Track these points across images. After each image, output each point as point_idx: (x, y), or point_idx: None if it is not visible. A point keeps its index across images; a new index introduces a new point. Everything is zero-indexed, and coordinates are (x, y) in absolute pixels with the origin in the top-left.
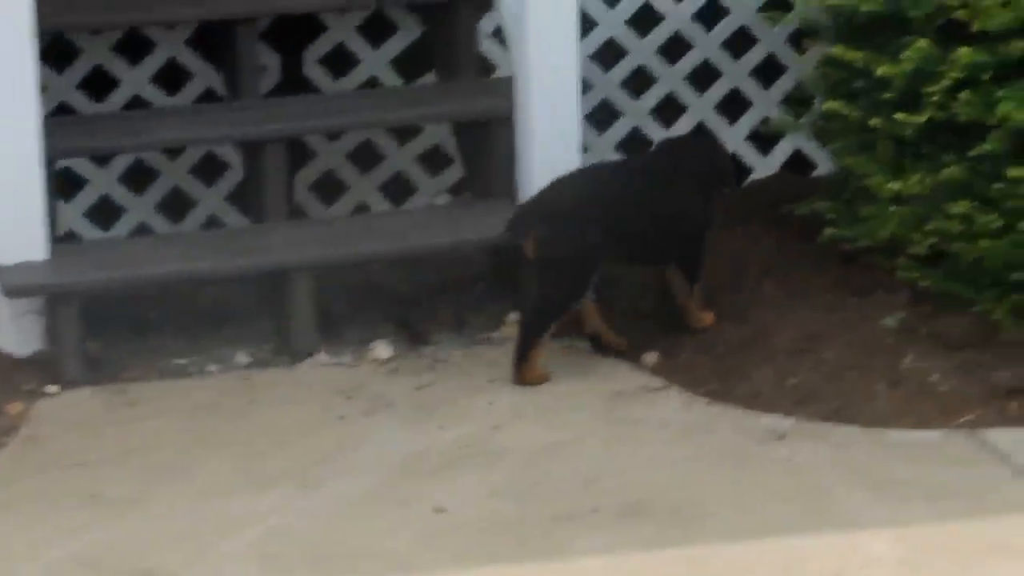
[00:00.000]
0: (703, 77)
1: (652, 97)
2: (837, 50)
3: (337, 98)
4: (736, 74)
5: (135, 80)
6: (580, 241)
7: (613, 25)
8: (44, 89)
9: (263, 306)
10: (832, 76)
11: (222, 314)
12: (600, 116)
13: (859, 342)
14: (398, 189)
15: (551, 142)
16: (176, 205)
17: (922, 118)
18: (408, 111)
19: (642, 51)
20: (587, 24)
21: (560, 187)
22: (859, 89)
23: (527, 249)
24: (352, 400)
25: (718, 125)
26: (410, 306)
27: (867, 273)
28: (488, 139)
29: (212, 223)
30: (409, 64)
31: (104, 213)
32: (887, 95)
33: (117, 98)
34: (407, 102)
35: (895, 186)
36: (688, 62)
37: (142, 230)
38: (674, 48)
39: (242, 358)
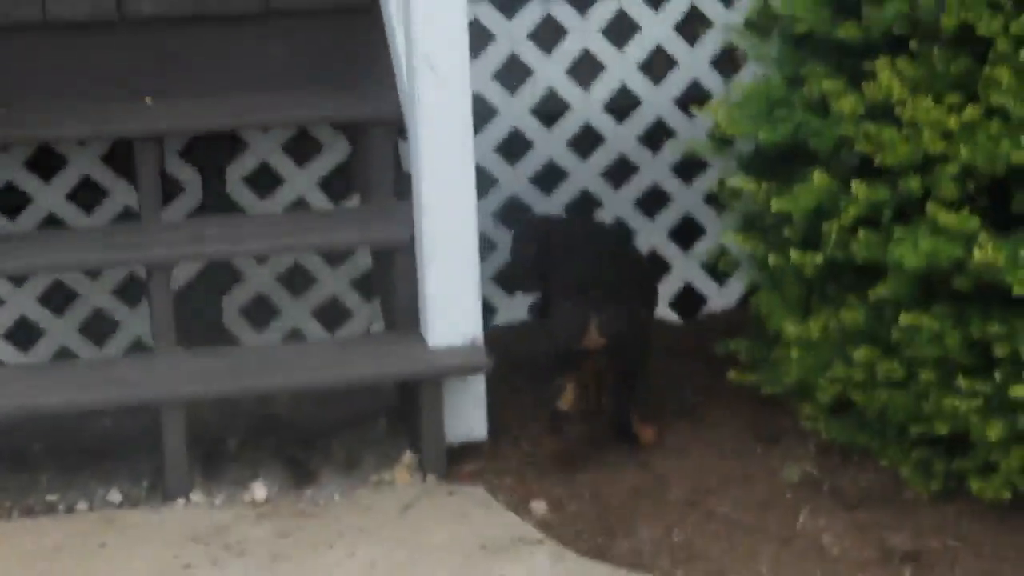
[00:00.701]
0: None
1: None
2: (735, 180)
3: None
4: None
5: (49, 198)
6: (631, 311)
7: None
8: None
9: (147, 440)
10: (734, 206)
11: (106, 448)
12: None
13: (755, 496)
14: (334, 315)
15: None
16: (98, 327)
17: (818, 258)
18: (304, 239)
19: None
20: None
21: (568, 273)
22: (764, 224)
23: (590, 342)
24: (206, 547)
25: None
26: (305, 442)
27: (780, 418)
28: (392, 267)
29: (138, 346)
30: (336, 184)
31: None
32: (788, 231)
33: (31, 216)
34: (302, 228)
35: (794, 330)
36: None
37: (63, 353)
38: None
39: (115, 496)
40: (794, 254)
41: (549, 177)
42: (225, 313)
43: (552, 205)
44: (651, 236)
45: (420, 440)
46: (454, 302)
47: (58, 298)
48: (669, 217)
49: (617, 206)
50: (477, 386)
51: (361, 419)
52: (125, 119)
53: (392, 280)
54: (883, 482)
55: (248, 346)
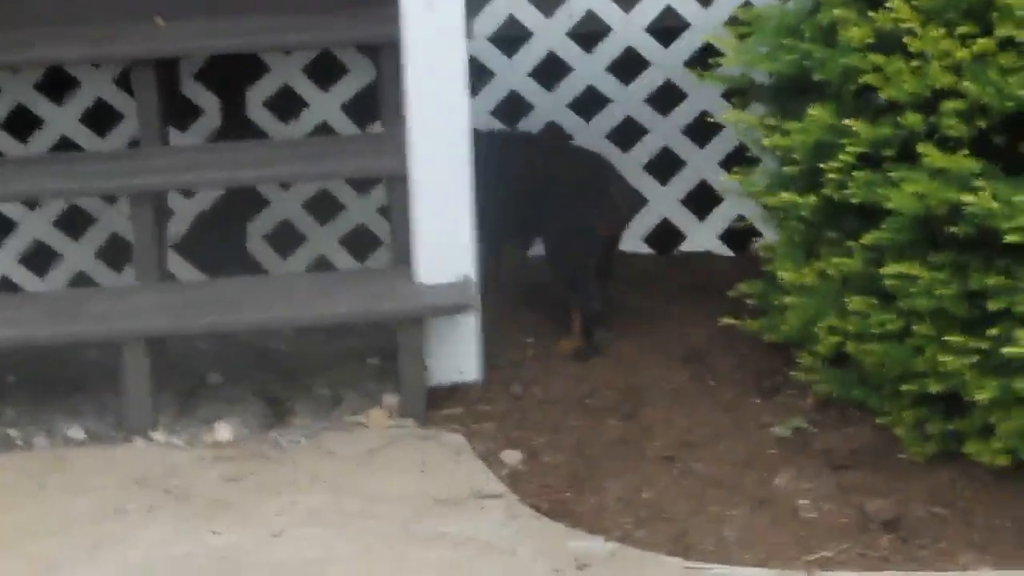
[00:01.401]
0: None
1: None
2: (730, 115)
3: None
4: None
5: (62, 120)
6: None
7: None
8: None
9: (116, 375)
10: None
11: (83, 382)
12: None
13: (739, 452)
14: (364, 243)
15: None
16: (117, 250)
17: (811, 199)
18: (301, 167)
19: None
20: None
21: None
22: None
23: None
24: (146, 490)
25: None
26: (291, 379)
27: (785, 368)
28: (393, 198)
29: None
30: (360, 109)
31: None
32: (788, 169)
33: (43, 139)
34: (301, 155)
35: (790, 275)
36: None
37: (81, 279)
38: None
39: (77, 432)
40: (786, 195)
41: (589, 103)
42: (250, 239)
43: (591, 133)
44: (703, 166)
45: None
46: (444, 237)
47: (75, 222)
48: (720, 147)
49: (664, 134)
50: (468, 325)
51: (354, 357)
52: (132, 40)
53: (392, 212)
54: (877, 443)
55: (235, 279)
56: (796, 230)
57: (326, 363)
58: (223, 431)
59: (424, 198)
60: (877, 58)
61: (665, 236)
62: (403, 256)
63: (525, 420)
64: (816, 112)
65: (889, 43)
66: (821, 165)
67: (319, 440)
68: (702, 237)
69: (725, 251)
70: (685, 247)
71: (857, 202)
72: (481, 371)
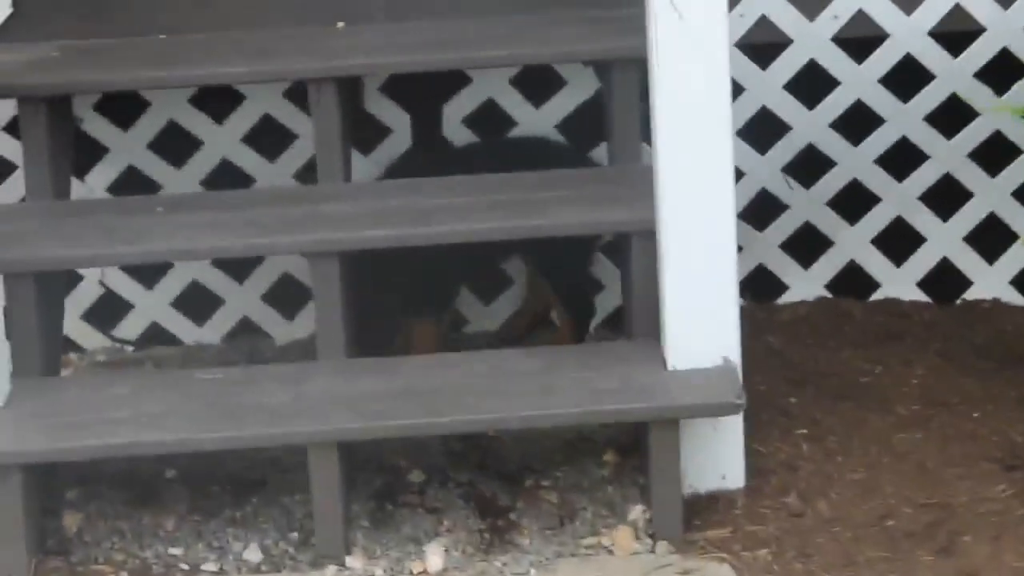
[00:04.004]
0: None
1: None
2: None
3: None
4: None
5: (222, 141)
6: None
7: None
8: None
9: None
10: None
11: (255, 482)
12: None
13: None
14: None
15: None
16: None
17: None
18: (509, 221)
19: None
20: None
21: None
22: None
23: None
24: None
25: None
26: (508, 480)
27: None
28: (629, 254)
29: None
30: (579, 127)
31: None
32: None
33: (201, 164)
34: (511, 202)
35: None
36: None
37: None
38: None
39: (253, 554)
40: None
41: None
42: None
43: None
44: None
45: (650, 492)
46: (704, 309)
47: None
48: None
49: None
50: (733, 419)
51: (584, 450)
52: (301, 53)
53: (630, 273)
54: None
55: (432, 359)
56: None
57: (549, 456)
58: (434, 559)
59: (678, 258)
60: None
61: (946, 280)
62: (642, 328)
63: (809, 548)
64: None
65: None
66: None
67: (554, 572)
68: (990, 282)
69: (1019, 299)
70: (971, 295)
71: None
72: (747, 475)
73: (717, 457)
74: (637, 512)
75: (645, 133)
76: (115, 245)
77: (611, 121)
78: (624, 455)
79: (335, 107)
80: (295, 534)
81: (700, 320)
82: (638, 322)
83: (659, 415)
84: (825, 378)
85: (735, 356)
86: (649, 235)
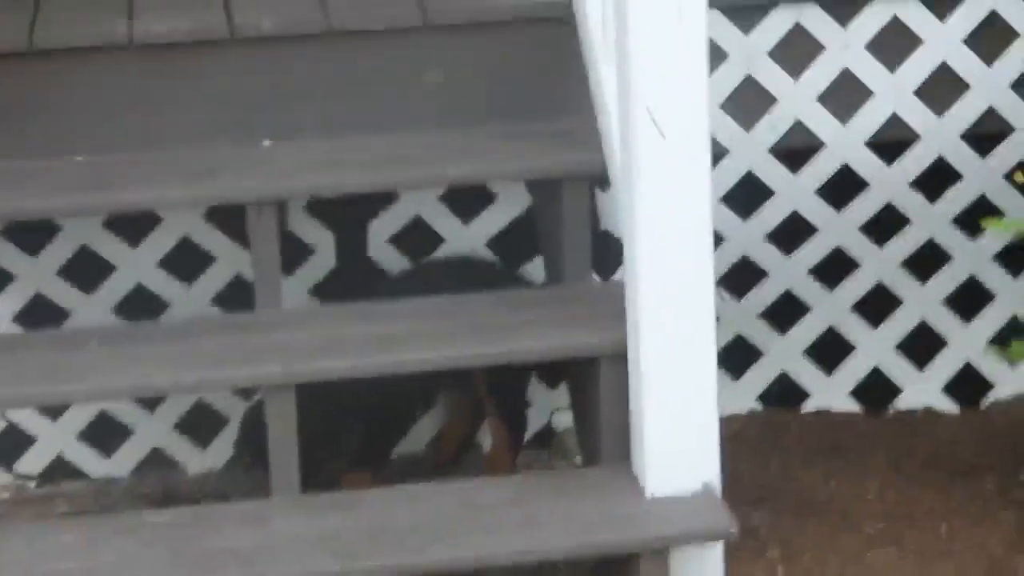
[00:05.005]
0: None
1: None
2: None
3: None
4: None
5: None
6: None
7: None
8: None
9: None
10: None
11: None
12: None
13: None
14: None
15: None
16: None
17: None
18: (469, 348)
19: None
20: None
21: None
22: None
23: None
24: None
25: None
26: None
27: None
28: (592, 378)
29: None
30: (510, 244)
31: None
32: None
33: (113, 289)
34: (465, 329)
35: None
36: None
37: None
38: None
39: None
40: None
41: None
42: None
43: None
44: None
45: None
46: (684, 433)
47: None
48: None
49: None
50: (714, 549)
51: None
52: (236, 174)
53: (597, 399)
54: None
55: (399, 490)
56: None
57: None
58: None
59: (654, 381)
60: None
61: (876, 387)
62: (611, 454)
63: None
64: None
65: None
66: None
67: None
68: (921, 387)
69: (950, 407)
70: (901, 402)
71: None
72: None
73: None
74: None
75: None
76: (59, 384)
77: (557, 239)
78: None
79: (274, 230)
80: None
81: (681, 446)
82: (606, 448)
83: (651, 545)
84: (781, 495)
85: (716, 481)
86: (619, 359)
